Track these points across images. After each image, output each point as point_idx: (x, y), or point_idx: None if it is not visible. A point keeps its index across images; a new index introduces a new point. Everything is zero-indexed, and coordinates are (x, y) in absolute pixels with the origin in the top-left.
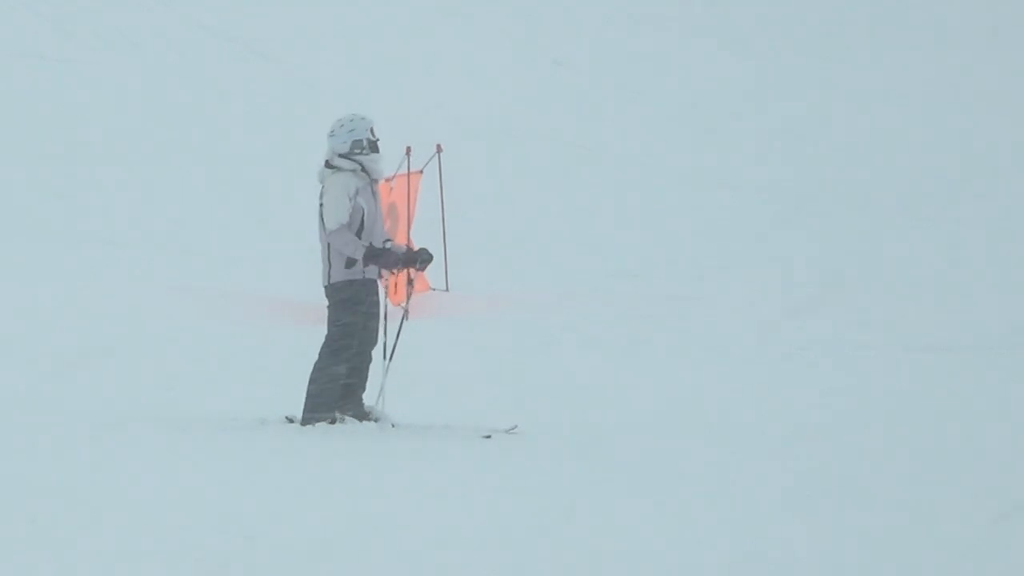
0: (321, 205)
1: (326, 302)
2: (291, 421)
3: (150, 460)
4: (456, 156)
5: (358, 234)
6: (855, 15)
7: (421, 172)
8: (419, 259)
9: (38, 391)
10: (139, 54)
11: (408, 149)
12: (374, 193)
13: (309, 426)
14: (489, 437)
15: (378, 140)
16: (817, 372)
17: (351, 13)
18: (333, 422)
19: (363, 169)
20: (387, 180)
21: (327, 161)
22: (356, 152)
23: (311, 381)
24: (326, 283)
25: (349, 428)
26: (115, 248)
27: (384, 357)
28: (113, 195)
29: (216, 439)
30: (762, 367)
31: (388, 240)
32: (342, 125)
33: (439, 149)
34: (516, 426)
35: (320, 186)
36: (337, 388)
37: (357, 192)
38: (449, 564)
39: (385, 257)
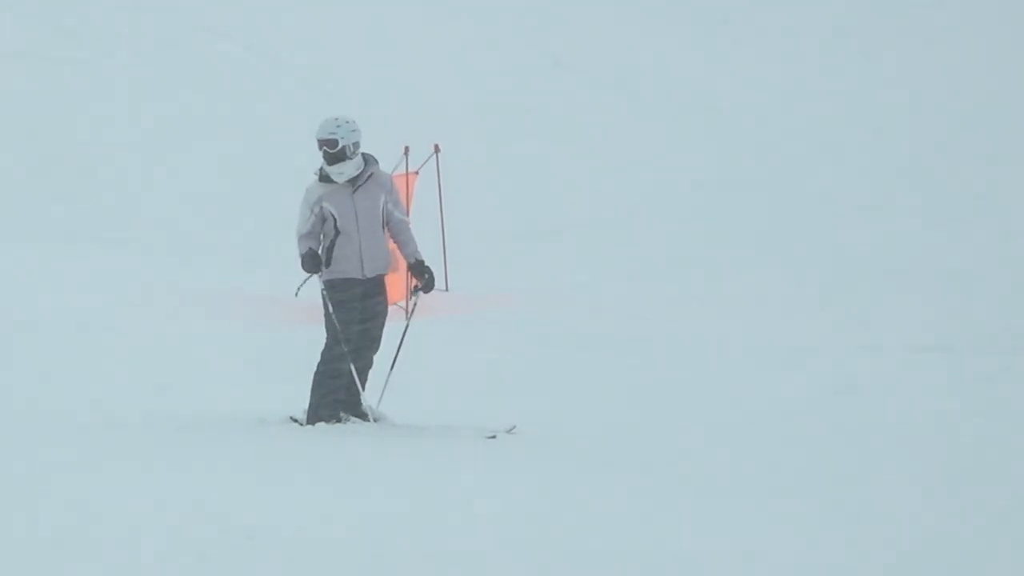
0: None
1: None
2: (295, 421)
3: (150, 460)
4: (455, 156)
5: (334, 239)
6: (858, 16)
7: (417, 173)
8: (424, 275)
9: (38, 391)
10: (139, 54)
11: (406, 149)
12: (355, 192)
13: (310, 426)
14: (494, 437)
15: (330, 150)
16: (817, 372)
17: (352, 13)
18: (337, 422)
19: (321, 177)
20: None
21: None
22: (323, 158)
23: (314, 382)
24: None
25: (349, 428)
26: (115, 248)
27: (392, 359)
28: (113, 195)
29: (216, 439)
30: (762, 367)
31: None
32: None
33: (437, 149)
34: (515, 426)
35: None
36: (340, 389)
37: (320, 199)
38: (449, 563)
39: (305, 262)
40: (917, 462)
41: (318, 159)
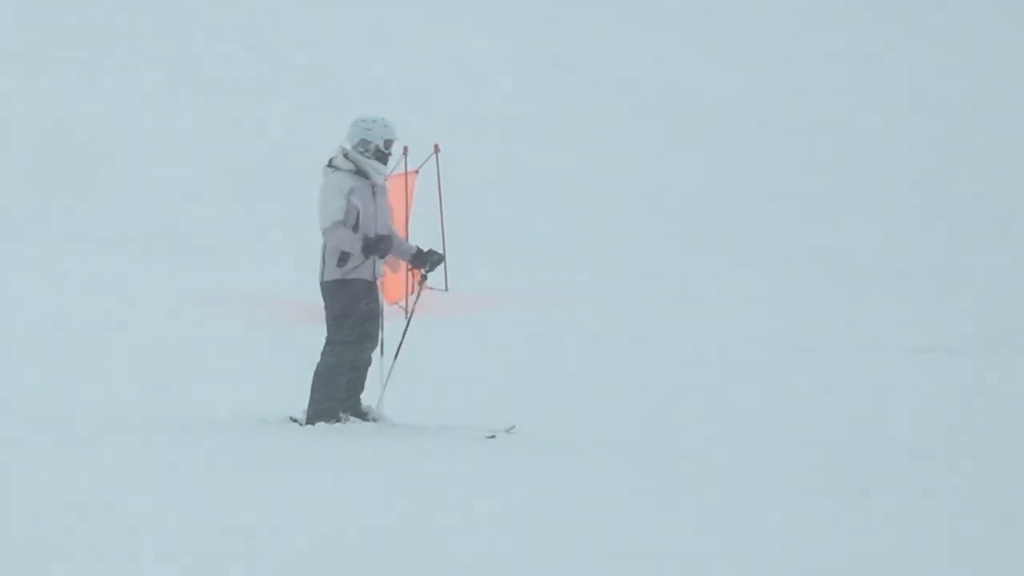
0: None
1: (322, 301)
2: (294, 421)
3: (149, 460)
4: (455, 156)
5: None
6: (858, 16)
7: (417, 172)
8: (428, 260)
9: (38, 391)
10: (139, 54)
11: (405, 149)
12: (374, 195)
13: (310, 426)
14: (493, 437)
15: (390, 154)
16: (816, 372)
17: (352, 13)
18: (336, 422)
19: (359, 171)
20: (385, 179)
21: (330, 159)
22: (360, 151)
23: (314, 382)
24: (320, 280)
25: (349, 428)
26: (115, 248)
27: (392, 356)
28: (113, 195)
29: (216, 439)
30: (762, 367)
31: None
32: (363, 121)
33: (437, 149)
34: (515, 426)
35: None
36: (340, 389)
37: (351, 191)
38: (449, 563)
39: (383, 243)
40: (917, 462)
41: (316, 159)
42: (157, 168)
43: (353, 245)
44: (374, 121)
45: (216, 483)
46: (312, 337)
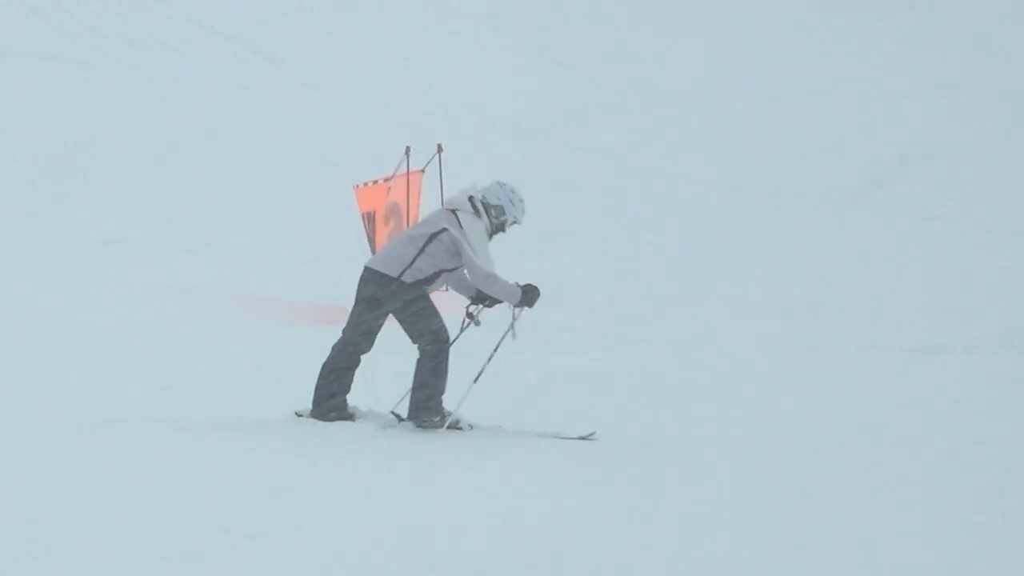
0: (445, 226)
1: (379, 295)
2: (398, 417)
3: (150, 460)
4: (455, 156)
5: (442, 271)
6: (859, 15)
7: (422, 171)
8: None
9: (38, 391)
10: (139, 54)
11: (408, 149)
12: None
13: (411, 422)
14: (591, 435)
15: (503, 232)
16: (817, 372)
17: (352, 13)
18: (442, 419)
19: (490, 232)
20: (387, 180)
21: (479, 198)
22: (493, 214)
23: (419, 379)
24: (395, 275)
25: (350, 428)
26: (115, 248)
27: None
28: (113, 195)
29: (217, 439)
30: (761, 367)
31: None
32: (513, 191)
33: (440, 149)
34: (595, 432)
35: (453, 204)
36: (443, 385)
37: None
38: (449, 563)
39: (535, 294)
40: (917, 462)
41: (316, 159)
42: (157, 168)
43: (512, 294)
44: (521, 200)
45: (216, 483)
46: (311, 337)
